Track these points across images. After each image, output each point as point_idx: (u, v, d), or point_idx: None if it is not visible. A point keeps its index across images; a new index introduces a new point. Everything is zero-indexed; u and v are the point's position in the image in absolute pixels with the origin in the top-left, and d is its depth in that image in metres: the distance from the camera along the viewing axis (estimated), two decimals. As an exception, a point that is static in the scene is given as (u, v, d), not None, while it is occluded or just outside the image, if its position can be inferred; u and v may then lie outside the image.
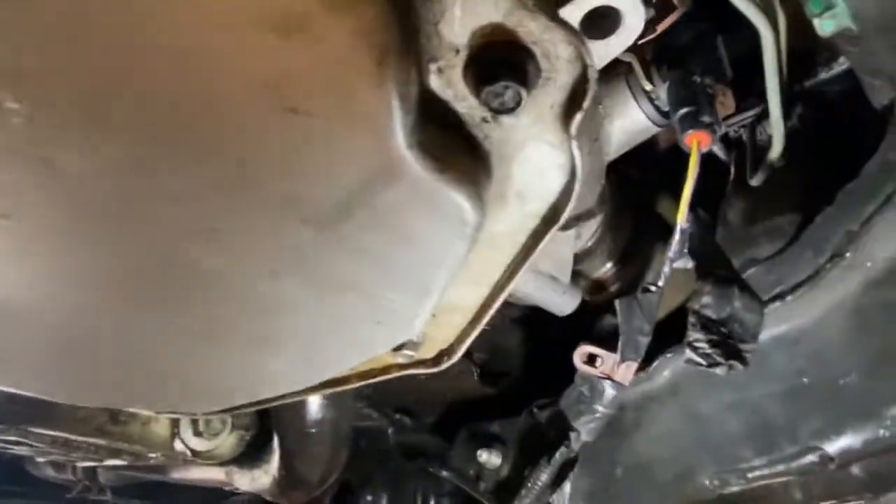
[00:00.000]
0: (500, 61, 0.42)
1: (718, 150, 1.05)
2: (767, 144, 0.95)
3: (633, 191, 1.16)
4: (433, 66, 0.44)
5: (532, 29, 0.41)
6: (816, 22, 0.69)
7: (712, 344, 0.77)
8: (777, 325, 0.90)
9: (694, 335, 0.77)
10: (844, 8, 0.65)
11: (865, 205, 0.81)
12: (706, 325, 0.79)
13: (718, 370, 0.76)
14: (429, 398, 1.41)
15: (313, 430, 1.05)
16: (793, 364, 0.90)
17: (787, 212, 0.98)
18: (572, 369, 1.06)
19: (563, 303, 1.03)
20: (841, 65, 0.92)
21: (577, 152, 0.47)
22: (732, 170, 1.06)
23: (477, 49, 0.43)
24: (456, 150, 0.47)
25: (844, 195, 0.85)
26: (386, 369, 0.77)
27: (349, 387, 0.78)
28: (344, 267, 0.54)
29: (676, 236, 0.83)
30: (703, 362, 0.76)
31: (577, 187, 0.50)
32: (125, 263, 0.55)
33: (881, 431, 0.82)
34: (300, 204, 0.47)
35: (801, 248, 0.90)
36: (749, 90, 0.94)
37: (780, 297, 0.90)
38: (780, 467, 0.91)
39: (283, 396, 0.77)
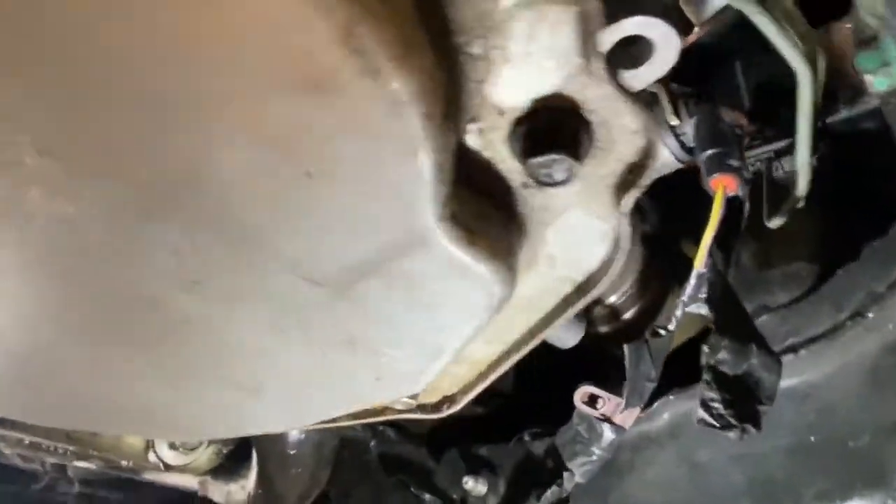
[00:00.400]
0: (551, 129, 0.36)
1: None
2: (785, 181, 0.90)
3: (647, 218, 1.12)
4: (473, 127, 0.38)
5: (593, 98, 0.36)
6: (868, 78, 0.64)
7: (727, 404, 0.73)
8: (788, 377, 0.86)
9: (708, 394, 0.73)
10: (903, 67, 0.60)
11: (893, 266, 0.78)
12: (721, 382, 0.74)
13: (731, 434, 0.72)
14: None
15: (294, 452, 1.00)
16: (801, 419, 0.87)
17: (804, 257, 0.94)
18: (566, 394, 1.02)
19: (565, 335, 0.99)
20: (865, 103, 0.87)
21: (627, 229, 0.41)
22: (747, 206, 1.02)
23: (524, 111, 0.37)
24: (490, 217, 0.41)
25: (871, 252, 0.82)
26: (381, 411, 0.72)
27: (337, 425, 0.73)
28: (348, 325, 0.49)
29: (692, 280, 0.78)
30: (717, 424, 0.72)
31: (619, 260, 0.45)
32: (110, 302, 0.51)
33: (889, 502, 0.79)
34: (308, 265, 0.42)
35: (819, 300, 0.86)
36: (764, 118, 0.89)
37: (792, 349, 0.87)
38: (782, 529, 0.87)
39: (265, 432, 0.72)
